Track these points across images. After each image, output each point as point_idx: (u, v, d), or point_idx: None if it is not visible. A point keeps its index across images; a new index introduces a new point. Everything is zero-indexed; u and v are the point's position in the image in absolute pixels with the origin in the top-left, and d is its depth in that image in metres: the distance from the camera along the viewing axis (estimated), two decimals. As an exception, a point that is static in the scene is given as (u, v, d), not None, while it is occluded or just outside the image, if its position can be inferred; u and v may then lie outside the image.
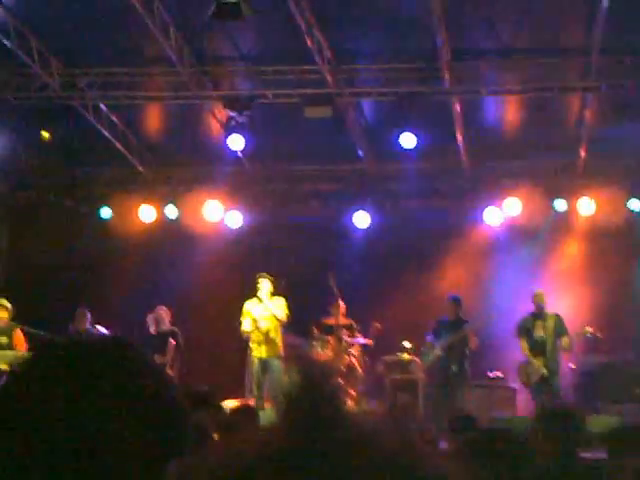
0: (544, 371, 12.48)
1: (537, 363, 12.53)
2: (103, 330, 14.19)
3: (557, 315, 12.81)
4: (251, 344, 12.62)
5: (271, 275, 12.77)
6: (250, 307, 12.71)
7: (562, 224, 15.15)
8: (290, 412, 1.04)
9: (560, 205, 15.09)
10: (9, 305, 12.65)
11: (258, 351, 12.48)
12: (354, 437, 1.01)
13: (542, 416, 5.25)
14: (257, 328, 12.51)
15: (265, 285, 12.62)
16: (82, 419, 1.27)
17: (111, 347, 1.39)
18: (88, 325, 13.68)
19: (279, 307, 12.60)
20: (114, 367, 1.35)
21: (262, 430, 1.08)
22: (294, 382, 1.07)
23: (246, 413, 6.74)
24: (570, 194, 15.03)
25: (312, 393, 1.04)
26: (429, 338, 13.33)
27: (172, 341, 13.60)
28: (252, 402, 12.53)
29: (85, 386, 1.30)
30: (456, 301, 13.33)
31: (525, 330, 12.73)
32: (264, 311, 12.55)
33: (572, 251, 15.06)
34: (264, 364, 12.50)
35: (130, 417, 1.30)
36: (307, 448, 0.99)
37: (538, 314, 12.78)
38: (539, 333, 12.65)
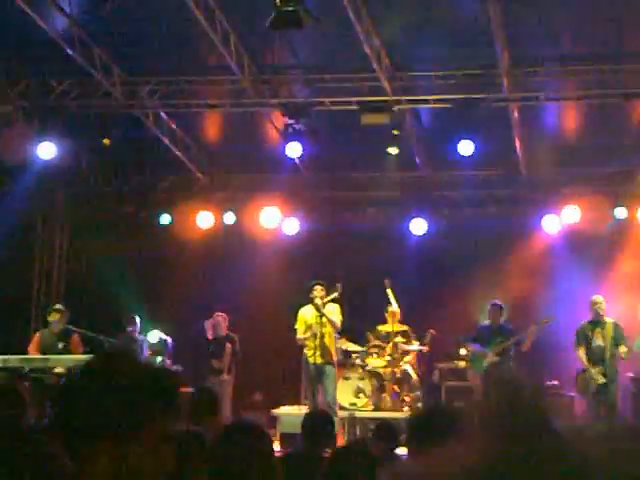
0: (602, 380, 12.32)
1: (595, 372, 12.37)
2: (163, 336, 14.40)
3: (616, 323, 12.63)
4: (306, 350, 12.66)
5: (327, 281, 12.80)
6: (305, 313, 12.74)
7: (622, 232, 14.98)
8: (496, 423, 1.06)
9: (620, 213, 14.93)
10: (64, 309, 12.89)
11: (313, 357, 12.51)
12: (560, 447, 1.03)
13: None
14: (312, 334, 12.55)
15: (320, 292, 12.65)
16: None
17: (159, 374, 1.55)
18: (137, 330, 13.89)
19: (334, 314, 12.63)
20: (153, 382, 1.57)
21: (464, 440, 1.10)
22: (501, 396, 1.09)
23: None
24: (630, 202, 14.85)
25: (517, 405, 1.07)
26: (476, 347, 13.24)
27: (229, 346, 13.71)
28: (307, 409, 12.59)
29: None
30: (501, 307, 13.28)
31: (583, 338, 12.58)
32: (319, 317, 12.58)
33: (632, 259, 14.87)
34: (319, 370, 12.53)
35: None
36: (514, 459, 1.01)
37: (597, 322, 12.61)
38: (598, 341, 12.49)
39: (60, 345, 12.47)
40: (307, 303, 12.76)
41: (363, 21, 11.03)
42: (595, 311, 12.61)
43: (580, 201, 14.87)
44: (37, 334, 12.93)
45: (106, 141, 13.44)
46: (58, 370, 11.24)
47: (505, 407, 1.06)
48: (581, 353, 12.55)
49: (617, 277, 14.74)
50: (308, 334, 12.58)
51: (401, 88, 12.74)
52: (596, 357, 12.42)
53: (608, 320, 12.61)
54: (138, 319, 13.96)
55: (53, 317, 12.72)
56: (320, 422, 7.00)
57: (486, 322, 13.36)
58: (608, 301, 12.93)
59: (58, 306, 13.20)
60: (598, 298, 12.72)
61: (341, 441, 11.20)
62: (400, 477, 1.14)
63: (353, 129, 13.30)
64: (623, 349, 12.36)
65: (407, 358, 13.95)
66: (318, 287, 12.65)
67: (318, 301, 12.53)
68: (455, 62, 12.25)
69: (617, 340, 12.43)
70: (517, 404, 1.06)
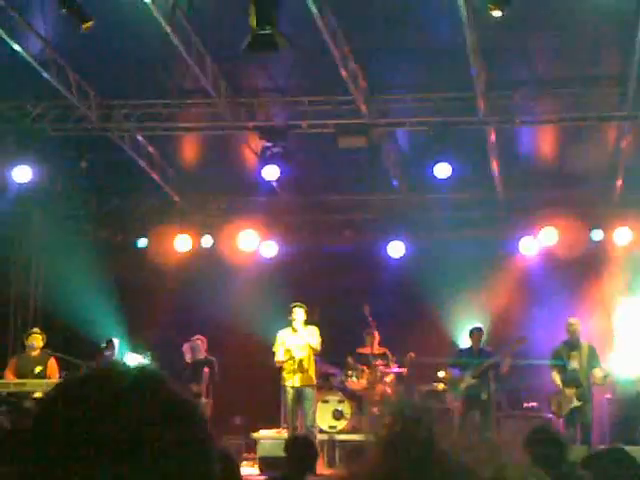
0: (577, 403, 12.41)
1: (569, 394, 12.44)
2: (140, 359, 14.27)
3: (591, 346, 12.72)
4: (284, 373, 12.61)
5: (305, 305, 12.77)
6: (284, 336, 12.71)
7: (599, 254, 15.05)
8: (387, 444, 1.04)
9: (597, 235, 15.00)
10: (41, 333, 12.79)
11: (292, 380, 12.47)
12: (452, 470, 1.01)
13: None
14: (291, 357, 12.51)
15: (299, 314, 12.62)
16: (105, 450, 1.23)
17: (140, 378, 1.36)
18: (116, 353, 13.78)
19: (313, 336, 12.60)
20: (141, 398, 1.29)
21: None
22: (392, 416, 1.08)
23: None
24: (607, 224, 14.94)
25: (409, 427, 1.05)
26: (454, 372, 13.28)
27: (206, 370, 13.64)
28: (287, 432, 12.53)
29: (108, 417, 1.25)
30: (481, 331, 13.34)
31: (559, 360, 12.67)
32: (298, 340, 12.55)
33: (608, 281, 14.93)
34: (298, 393, 12.48)
35: (155, 449, 1.25)
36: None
37: (572, 344, 12.69)
38: (573, 364, 12.58)
39: (37, 369, 12.36)
40: (286, 326, 12.73)
41: (340, 44, 11.06)
42: (571, 333, 12.68)
43: (557, 223, 14.93)
44: (13, 358, 12.80)
45: (82, 164, 13.40)
46: (37, 395, 11.14)
47: (397, 429, 1.06)
48: (555, 375, 12.64)
49: (593, 299, 14.79)
50: (287, 357, 12.54)
51: (378, 111, 12.78)
52: (570, 380, 12.50)
53: (583, 343, 12.68)
54: (117, 342, 13.86)
55: (30, 341, 12.61)
56: (303, 446, 6.98)
57: (467, 346, 13.38)
58: (584, 322, 12.99)
59: (35, 330, 13.10)
60: (574, 320, 12.79)
61: (321, 464, 11.15)
62: None
63: (330, 152, 13.32)
64: (599, 373, 12.45)
65: (386, 380, 13.93)
66: (297, 309, 12.62)
67: (296, 323, 12.49)
68: (432, 85, 12.31)
69: (592, 363, 12.55)
70: (408, 427, 1.06)
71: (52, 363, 12.49)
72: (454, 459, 1.05)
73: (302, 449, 7.01)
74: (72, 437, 1.25)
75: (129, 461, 1.23)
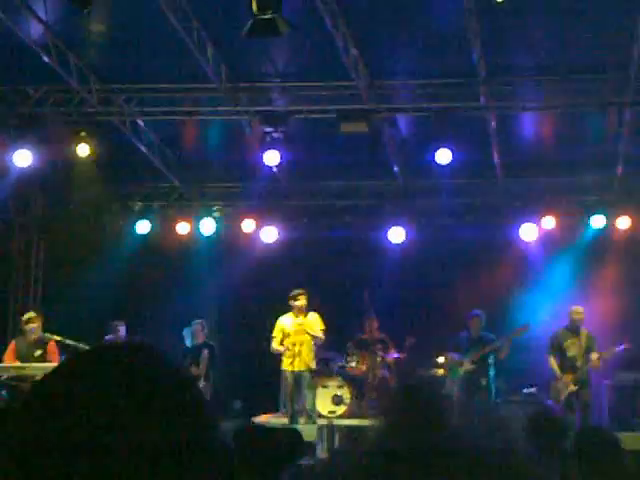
0: (572, 388, 12.52)
1: (566, 379, 12.55)
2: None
3: (590, 333, 12.79)
4: (284, 358, 12.65)
5: (305, 290, 12.80)
6: (284, 321, 12.74)
7: (599, 240, 15.06)
8: (394, 416, 1.06)
9: (597, 221, 15.01)
10: (39, 316, 12.78)
11: (291, 365, 12.51)
12: (456, 445, 1.02)
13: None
14: (291, 342, 12.54)
15: (301, 301, 12.65)
16: (103, 426, 1.22)
17: (135, 353, 1.36)
18: (123, 338, 13.78)
19: (315, 322, 12.66)
20: (138, 373, 1.28)
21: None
22: (400, 391, 1.10)
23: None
24: (607, 210, 14.95)
25: (417, 401, 1.07)
26: (454, 355, 13.30)
27: (206, 353, 13.65)
28: (285, 417, 12.57)
29: (107, 393, 1.25)
30: (480, 317, 13.33)
31: (557, 346, 12.74)
32: (298, 326, 12.58)
33: (608, 267, 14.95)
34: (297, 378, 12.53)
35: (154, 425, 1.24)
36: (410, 453, 1.00)
37: (573, 330, 12.74)
38: (572, 351, 12.65)
39: (37, 352, 12.37)
40: (287, 311, 12.75)
41: (341, 30, 11.04)
42: (573, 320, 12.73)
43: (557, 209, 14.94)
44: (12, 342, 12.79)
45: (83, 149, 13.39)
46: (38, 378, 11.13)
47: (404, 399, 1.08)
48: (552, 361, 12.73)
49: (594, 285, 14.81)
50: (287, 342, 12.58)
51: (379, 97, 12.76)
52: (568, 365, 12.59)
53: (583, 330, 12.75)
54: (122, 326, 13.85)
55: (29, 325, 12.60)
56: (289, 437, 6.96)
57: (466, 332, 13.41)
58: (585, 309, 13.04)
59: (32, 313, 13.10)
60: (578, 308, 12.83)
61: (321, 449, 11.20)
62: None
63: (331, 137, 13.32)
64: (594, 356, 12.53)
65: (385, 366, 13.96)
66: (300, 295, 12.65)
67: (297, 309, 12.52)
68: (433, 71, 12.30)
69: (589, 349, 12.61)
70: (416, 397, 1.07)
71: (52, 346, 12.49)
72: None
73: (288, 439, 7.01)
74: (67, 411, 1.25)
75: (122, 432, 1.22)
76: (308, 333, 12.60)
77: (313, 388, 12.77)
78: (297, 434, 7.19)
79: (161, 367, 1.31)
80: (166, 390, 1.28)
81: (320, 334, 12.70)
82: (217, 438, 1.30)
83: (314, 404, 12.76)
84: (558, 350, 12.74)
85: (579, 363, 12.62)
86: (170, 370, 1.32)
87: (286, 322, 12.72)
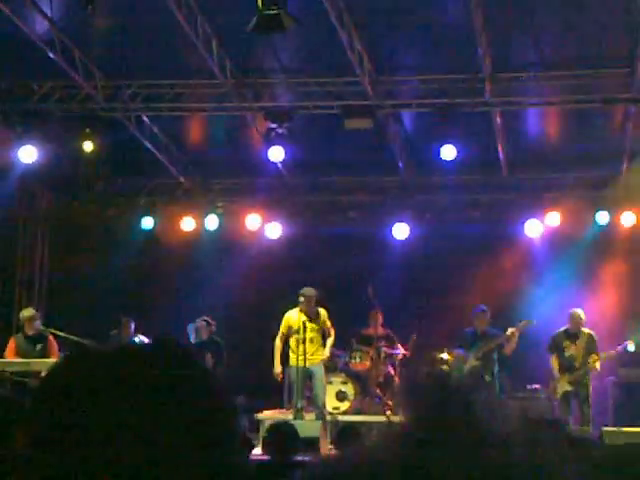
0: (568, 388, 12.63)
1: (563, 379, 12.70)
2: (145, 340, 14.31)
3: (590, 334, 12.80)
4: (291, 354, 12.65)
5: (310, 286, 12.79)
6: (291, 317, 12.74)
7: (604, 236, 15.04)
8: (419, 409, 1.05)
9: (602, 217, 14.98)
10: (36, 312, 12.80)
11: (296, 361, 12.49)
12: (483, 438, 1.01)
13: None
14: (298, 338, 12.53)
15: (310, 298, 12.64)
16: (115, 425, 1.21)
17: (153, 347, 1.35)
18: (132, 334, 13.80)
19: (322, 318, 12.67)
20: (153, 368, 1.27)
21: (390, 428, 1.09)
22: (424, 381, 1.08)
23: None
24: (612, 206, 14.92)
25: (442, 391, 1.06)
26: (459, 351, 13.30)
27: (209, 357, 13.60)
28: (290, 413, 12.56)
29: (119, 388, 1.23)
30: (485, 312, 13.30)
31: (556, 347, 12.82)
32: (306, 322, 12.57)
33: (613, 263, 14.93)
34: (305, 373, 12.51)
35: (174, 419, 1.23)
36: (434, 446, 0.99)
37: (572, 333, 12.78)
38: (570, 352, 12.71)
39: (37, 348, 12.38)
40: (293, 307, 12.76)
41: (346, 25, 11.03)
42: (573, 323, 12.77)
43: (562, 206, 14.93)
44: (12, 339, 12.72)
45: (88, 145, 13.39)
46: (44, 374, 11.12)
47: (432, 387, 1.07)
48: (553, 361, 12.85)
49: (599, 281, 14.80)
50: (294, 337, 12.57)
51: (384, 92, 12.75)
52: (566, 365, 12.72)
53: (584, 331, 12.77)
54: (129, 322, 13.86)
55: (29, 321, 12.58)
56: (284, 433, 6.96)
57: (471, 328, 13.39)
58: (589, 306, 13.06)
59: (30, 309, 13.11)
60: (578, 311, 12.84)
61: (325, 445, 11.20)
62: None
63: (336, 133, 13.31)
64: (594, 358, 12.56)
65: (389, 362, 13.96)
66: (309, 292, 12.64)
67: (304, 305, 12.52)
68: (438, 67, 12.28)
69: (589, 350, 12.71)
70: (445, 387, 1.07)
71: (51, 341, 12.51)
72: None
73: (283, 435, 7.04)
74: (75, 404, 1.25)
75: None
76: (314, 324, 12.56)
77: (323, 383, 12.77)
78: (292, 429, 7.20)
79: (187, 362, 1.30)
80: (194, 384, 1.28)
81: (330, 330, 12.72)
82: (241, 427, 1.31)
83: (324, 399, 12.77)
84: (557, 350, 12.83)
85: (577, 364, 12.70)
86: (198, 365, 1.32)
87: (292, 317, 12.72)
